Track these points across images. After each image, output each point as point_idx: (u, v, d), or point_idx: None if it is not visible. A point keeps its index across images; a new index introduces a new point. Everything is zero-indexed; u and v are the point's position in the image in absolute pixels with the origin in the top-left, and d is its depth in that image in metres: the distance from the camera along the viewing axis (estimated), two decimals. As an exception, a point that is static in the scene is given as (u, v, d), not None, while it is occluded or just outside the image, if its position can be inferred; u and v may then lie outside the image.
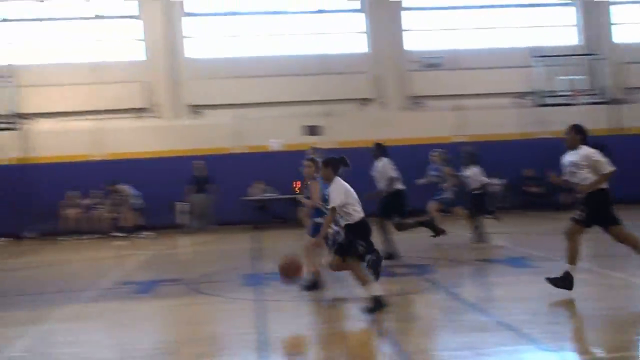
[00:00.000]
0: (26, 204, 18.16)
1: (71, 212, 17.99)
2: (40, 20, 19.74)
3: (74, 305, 8.23)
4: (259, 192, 18.42)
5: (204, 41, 20.34)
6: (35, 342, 6.65)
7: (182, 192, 17.74)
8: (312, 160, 8.37)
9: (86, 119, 19.07)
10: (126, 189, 17.67)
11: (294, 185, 17.18)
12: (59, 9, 19.77)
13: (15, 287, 10.33)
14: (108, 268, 11.92)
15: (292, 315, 7.31)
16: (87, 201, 18.10)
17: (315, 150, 9.98)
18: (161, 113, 19.75)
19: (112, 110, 19.20)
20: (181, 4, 20.10)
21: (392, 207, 10.79)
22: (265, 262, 11.18)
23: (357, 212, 6.92)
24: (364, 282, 6.85)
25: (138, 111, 19.60)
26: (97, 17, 19.84)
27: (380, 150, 10.84)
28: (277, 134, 19.30)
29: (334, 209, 6.91)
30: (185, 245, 16.04)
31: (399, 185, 10.80)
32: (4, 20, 19.62)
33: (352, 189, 7.01)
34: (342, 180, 7.02)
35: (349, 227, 6.93)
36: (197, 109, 19.90)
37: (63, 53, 19.79)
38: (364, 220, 6.95)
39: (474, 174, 12.39)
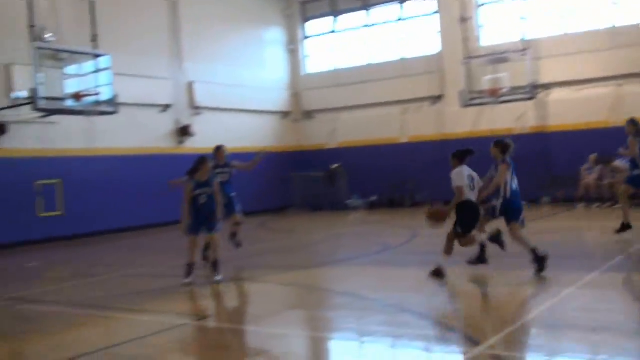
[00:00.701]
0: (543, 171, 19.02)
1: (587, 179, 18.06)
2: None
3: (589, 274, 8.42)
4: None
5: None
6: (555, 304, 7.11)
7: None
8: None
9: (603, 86, 18.80)
10: (619, 163, 16.64)
11: None
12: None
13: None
14: (624, 239, 11.54)
15: None
16: (598, 170, 17.86)
17: None
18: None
19: (631, 74, 18.45)
20: None
21: None
22: None
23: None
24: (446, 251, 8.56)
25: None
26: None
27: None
28: None
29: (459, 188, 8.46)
30: None
31: None
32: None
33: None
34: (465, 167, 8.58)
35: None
36: None
37: (578, 21, 19.77)
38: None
39: None
